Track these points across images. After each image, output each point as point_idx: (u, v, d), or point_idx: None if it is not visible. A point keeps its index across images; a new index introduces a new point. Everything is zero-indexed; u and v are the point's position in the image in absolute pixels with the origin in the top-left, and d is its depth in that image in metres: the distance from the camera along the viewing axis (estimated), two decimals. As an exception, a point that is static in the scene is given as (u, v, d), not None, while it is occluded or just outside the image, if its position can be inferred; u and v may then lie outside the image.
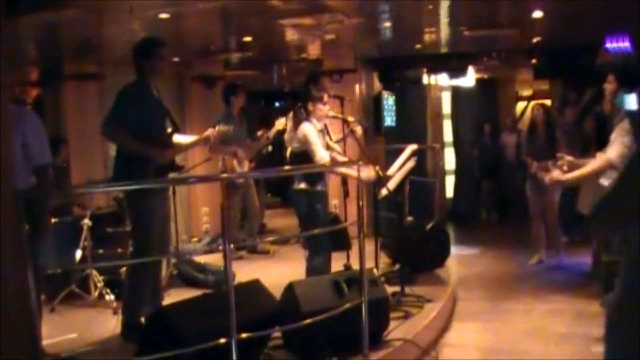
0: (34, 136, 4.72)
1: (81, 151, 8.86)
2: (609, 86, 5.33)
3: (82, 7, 6.22)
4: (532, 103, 10.56)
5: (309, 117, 6.39)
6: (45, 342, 4.68)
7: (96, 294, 6.95)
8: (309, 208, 6.36)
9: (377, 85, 11.49)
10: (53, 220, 6.58)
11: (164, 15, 6.74)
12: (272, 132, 8.94)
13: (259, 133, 9.01)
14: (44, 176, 4.72)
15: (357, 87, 10.72)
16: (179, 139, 5.99)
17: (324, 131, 6.53)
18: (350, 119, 6.58)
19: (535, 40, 9.95)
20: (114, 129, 5.55)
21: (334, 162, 6.42)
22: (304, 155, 6.31)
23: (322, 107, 6.40)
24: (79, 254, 7.04)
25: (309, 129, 6.27)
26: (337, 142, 6.73)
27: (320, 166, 6.30)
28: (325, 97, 6.50)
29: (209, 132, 6.39)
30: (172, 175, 5.94)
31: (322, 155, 6.19)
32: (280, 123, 8.53)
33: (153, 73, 5.69)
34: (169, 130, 5.81)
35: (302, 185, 6.34)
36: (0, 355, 3.40)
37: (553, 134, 8.57)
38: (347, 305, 4.94)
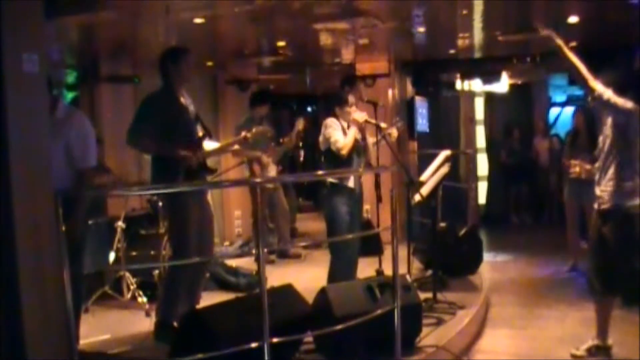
0: (77, 139, 4.76)
1: (116, 153, 8.92)
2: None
3: (118, 8, 6.27)
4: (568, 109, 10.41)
5: (338, 119, 6.44)
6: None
7: (129, 295, 7.02)
8: (333, 208, 6.37)
9: (410, 89, 11.46)
10: (88, 222, 6.64)
11: (198, 20, 6.80)
12: (294, 135, 8.97)
13: (285, 139, 8.99)
14: (82, 180, 4.77)
15: (390, 91, 10.68)
16: (208, 145, 6.02)
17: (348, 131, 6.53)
18: (384, 125, 6.57)
19: (570, 45, 9.84)
20: (137, 136, 5.59)
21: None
22: (334, 154, 6.34)
23: (349, 110, 6.42)
24: (112, 255, 7.11)
25: (331, 121, 6.39)
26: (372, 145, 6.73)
27: (352, 171, 6.31)
28: (351, 99, 6.52)
29: (239, 138, 6.44)
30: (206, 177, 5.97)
31: (337, 138, 6.29)
32: (300, 123, 8.55)
33: (180, 80, 5.74)
34: (200, 134, 5.84)
35: (330, 179, 6.35)
36: (37, 356, 3.43)
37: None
38: (380, 311, 4.92)
